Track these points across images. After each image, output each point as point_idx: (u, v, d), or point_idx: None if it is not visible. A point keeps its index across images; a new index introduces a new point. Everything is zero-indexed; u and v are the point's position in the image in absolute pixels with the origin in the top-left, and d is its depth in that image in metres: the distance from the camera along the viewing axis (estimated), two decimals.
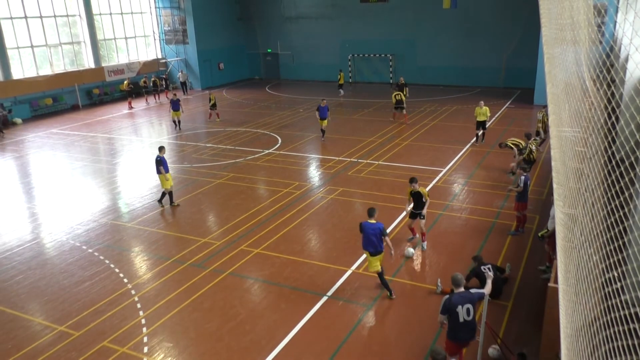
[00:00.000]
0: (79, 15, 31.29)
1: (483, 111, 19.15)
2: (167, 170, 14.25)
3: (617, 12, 12.08)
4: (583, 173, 3.83)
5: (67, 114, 29.43)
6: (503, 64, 31.79)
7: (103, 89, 33.02)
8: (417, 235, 11.73)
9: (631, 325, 2.66)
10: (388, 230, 12.06)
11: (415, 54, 34.48)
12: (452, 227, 12.65)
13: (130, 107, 30.21)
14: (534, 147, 15.09)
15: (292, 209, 14.00)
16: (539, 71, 25.75)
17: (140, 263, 11.48)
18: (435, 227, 12.63)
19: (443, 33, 33.05)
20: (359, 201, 14.62)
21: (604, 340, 2.75)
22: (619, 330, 2.70)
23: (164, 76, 35.45)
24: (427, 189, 15.03)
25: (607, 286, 3.00)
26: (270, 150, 20.00)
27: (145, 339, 8.66)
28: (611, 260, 3.05)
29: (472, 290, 7.09)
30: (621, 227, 3.15)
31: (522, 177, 11.63)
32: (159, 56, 36.77)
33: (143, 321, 9.18)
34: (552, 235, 9.29)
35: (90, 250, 12.06)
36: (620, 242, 3.13)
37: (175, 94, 25.26)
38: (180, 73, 34.50)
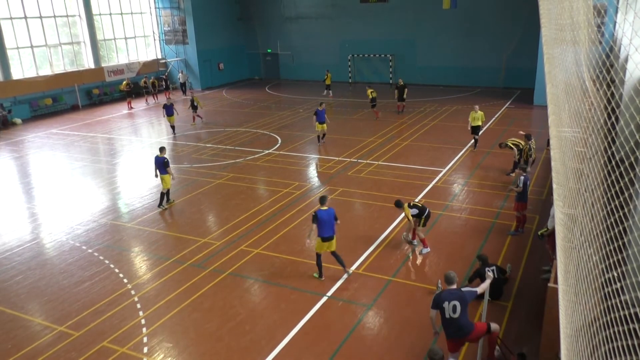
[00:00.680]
0: (79, 16, 31.28)
1: (478, 116, 18.34)
2: (165, 172, 14.28)
3: (616, 12, 12.10)
4: (583, 173, 3.83)
5: (66, 114, 29.43)
6: (503, 64, 31.80)
7: (103, 89, 33.02)
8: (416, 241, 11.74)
9: (631, 326, 2.66)
10: (388, 231, 12.08)
11: (415, 54, 34.49)
12: (452, 227, 12.65)
13: (131, 108, 30.20)
14: (534, 147, 15.11)
15: (292, 209, 14.00)
16: (539, 71, 25.76)
17: (140, 263, 11.48)
18: (435, 228, 12.63)
19: (443, 33, 33.05)
20: (358, 201, 14.62)
21: (604, 340, 2.75)
22: (618, 331, 2.70)
23: (163, 76, 35.44)
24: (427, 189, 15.07)
25: (607, 286, 3.00)
26: (270, 151, 20.00)
27: (145, 339, 8.66)
28: (611, 260, 3.05)
29: (464, 289, 7.12)
30: (621, 228, 3.15)
31: (522, 177, 11.63)
32: (159, 56, 36.77)
33: (143, 321, 9.17)
34: (552, 234, 9.29)
35: (90, 251, 12.06)
36: (620, 243, 3.13)
37: (169, 98, 24.20)
38: (180, 74, 34.45)
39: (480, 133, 19.10)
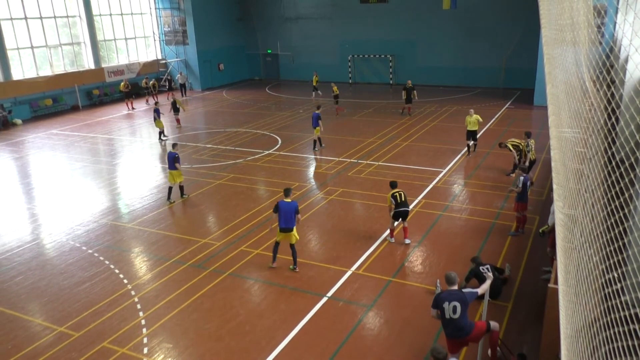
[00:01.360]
0: (79, 16, 31.30)
1: (473, 120, 17.77)
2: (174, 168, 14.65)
3: (616, 13, 12.10)
4: (583, 174, 3.83)
5: (67, 115, 29.44)
6: (503, 64, 31.80)
7: (103, 90, 33.03)
8: (393, 239, 11.88)
9: (631, 326, 2.66)
10: (388, 231, 12.06)
11: (415, 55, 34.50)
12: (452, 228, 12.65)
13: (132, 108, 30.18)
14: (534, 147, 15.10)
15: None
16: (539, 72, 25.76)
17: (140, 264, 11.48)
18: (435, 228, 12.63)
19: (443, 34, 33.06)
20: (359, 202, 14.62)
21: (604, 341, 2.75)
22: (619, 331, 2.70)
23: (167, 77, 35.34)
24: (427, 189, 15.09)
25: (607, 287, 3.00)
26: (270, 151, 20.00)
27: (145, 340, 8.66)
28: (611, 261, 3.05)
29: (465, 290, 7.13)
30: (621, 228, 3.15)
31: (521, 178, 11.63)
32: (159, 57, 36.78)
33: (143, 322, 9.17)
34: (552, 231, 9.28)
35: (90, 251, 12.05)
36: (620, 243, 3.13)
37: (157, 102, 22.95)
38: (179, 75, 34.38)
39: (477, 137, 18.56)
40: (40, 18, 29.09)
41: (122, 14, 34.15)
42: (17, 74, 28.07)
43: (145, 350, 8.41)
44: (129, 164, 19.55)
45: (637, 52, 3.08)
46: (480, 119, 18.25)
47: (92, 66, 31.89)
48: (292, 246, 10.66)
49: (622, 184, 3.15)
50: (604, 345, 2.74)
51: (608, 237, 3.18)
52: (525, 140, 15.23)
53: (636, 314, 2.77)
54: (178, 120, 24.80)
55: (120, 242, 12.58)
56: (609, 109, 3.69)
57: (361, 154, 19.13)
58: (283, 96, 33.18)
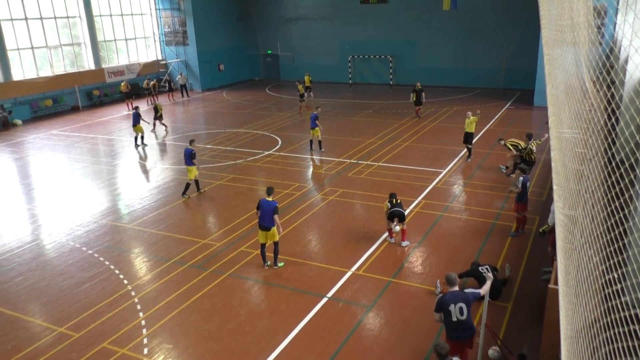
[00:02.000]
0: (79, 17, 31.30)
1: (470, 121, 17.49)
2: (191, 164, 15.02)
3: (616, 13, 12.09)
4: (583, 174, 3.83)
5: (67, 115, 29.44)
6: (503, 65, 31.80)
7: (103, 91, 33.02)
8: (393, 239, 11.92)
9: (631, 327, 2.66)
10: (388, 232, 12.07)
11: (416, 55, 34.50)
12: (451, 229, 12.65)
13: (133, 108, 30.04)
14: (534, 148, 15.09)
15: (292, 210, 14.00)
16: (539, 72, 25.75)
17: (140, 264, 11.48)
18: (435, 229, 12.63)
19: (443, 34, 33.06)
20: (359, 202, 14.62)
21: (604, 341, 2.75)
22: (619, 332, 2.70)
23: (165, 77, 35.31)
24: (427, 190, 15.11)
25: (607, 288, 3.00)
26: (270, 152, 20.00)
27: (145, 340, 8.66)
28: (611, 261, 3.05)
29: (467, 290, 7.10)
30: (621, 229, 3.15)
31: (521, 178, 11.62)
32: (159, 57, 36.78)
33: (143, 322, 9.17)
34: (552, 230, 9.28)
35: (90, 252, 12.05)
36: (621, 244, 3.13)
37: (137, 106, 21.94)
38: (179, 75, 34.32)
39: (473, 142, 18.11)
40: (41, 18, 29.10)
41: (122, 15, 34.16)
42: (17, 75, 28.08)
43: (145, 350, 8.41)
44: (129, 164, 19.55)
45: (637, 52, 3.08)
46: (477, 116, 17.62)
47: (92, 67, 31.89)
48: (275, 243, 10.78)
49: (622, 185, 3.15)
50: (604, 346, 2.73)
51: (608, 238, 3.18)
52: (525, 142, 15.23)
53: (636, 315, 2.77)
54: (165, 126, 24.35)
55: (120, 242, 12.58)
56: (609, 110, 3.69)
57: (361, 154, 19.13)
58: (283, 97, 33.18)
